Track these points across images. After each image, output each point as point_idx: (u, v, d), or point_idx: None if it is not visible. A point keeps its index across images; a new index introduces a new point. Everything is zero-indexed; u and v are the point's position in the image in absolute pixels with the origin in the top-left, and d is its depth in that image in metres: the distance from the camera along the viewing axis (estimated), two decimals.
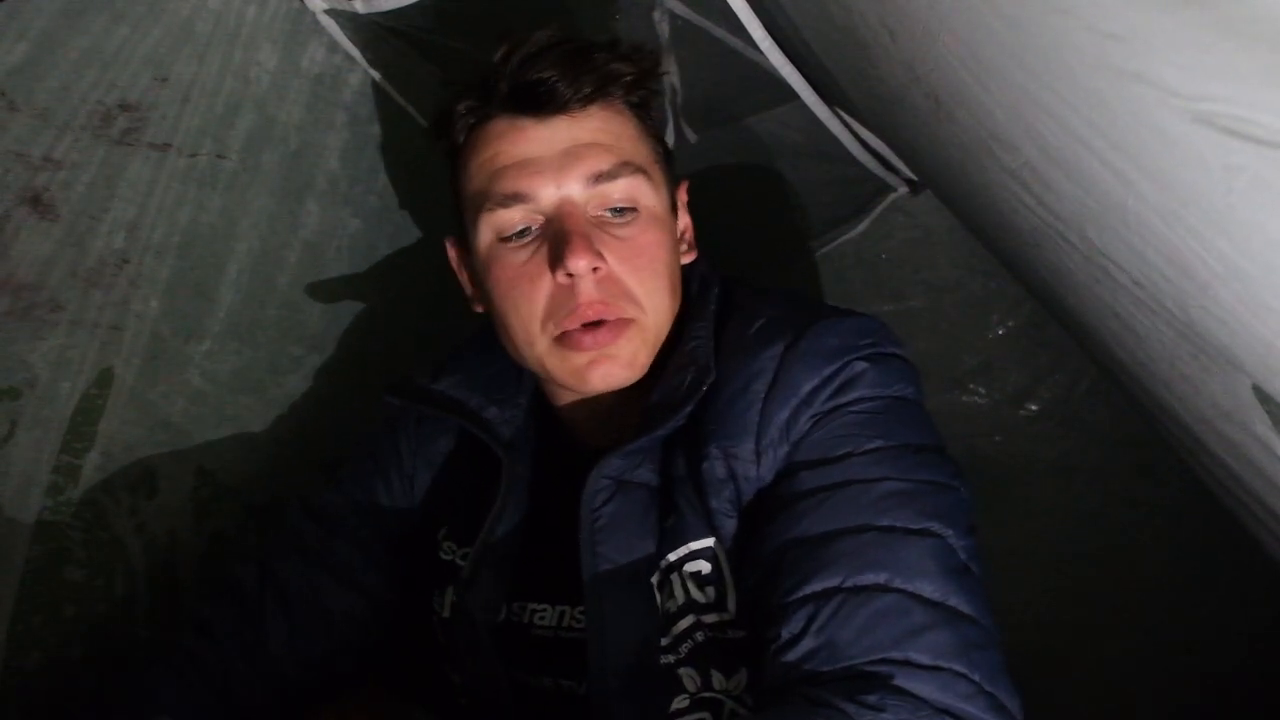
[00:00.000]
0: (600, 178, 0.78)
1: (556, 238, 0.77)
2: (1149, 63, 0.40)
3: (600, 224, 0.79)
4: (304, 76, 1.11)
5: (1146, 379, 0.62)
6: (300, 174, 1.12)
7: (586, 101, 0.79)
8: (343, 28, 1.11)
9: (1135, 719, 1.18)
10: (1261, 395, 0.48)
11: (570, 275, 0.76)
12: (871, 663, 0.63)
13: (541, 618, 0.83)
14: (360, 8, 1.06)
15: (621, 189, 0.79)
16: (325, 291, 1.16)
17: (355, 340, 1.20)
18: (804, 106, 1.04)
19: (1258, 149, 0.38)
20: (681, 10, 1.00)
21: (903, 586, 0.65)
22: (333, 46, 1.13)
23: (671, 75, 1.07)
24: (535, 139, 0.79)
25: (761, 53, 0.96)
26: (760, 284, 0.91)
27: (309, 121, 1.12)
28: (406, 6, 1.03)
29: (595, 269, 0.77)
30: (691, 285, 0.88)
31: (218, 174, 1.04)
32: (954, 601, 0.65)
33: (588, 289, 0.77)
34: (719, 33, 1.00)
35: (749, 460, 0.75)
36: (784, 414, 0.75)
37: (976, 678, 0.62)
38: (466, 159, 0.83)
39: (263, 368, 1.11)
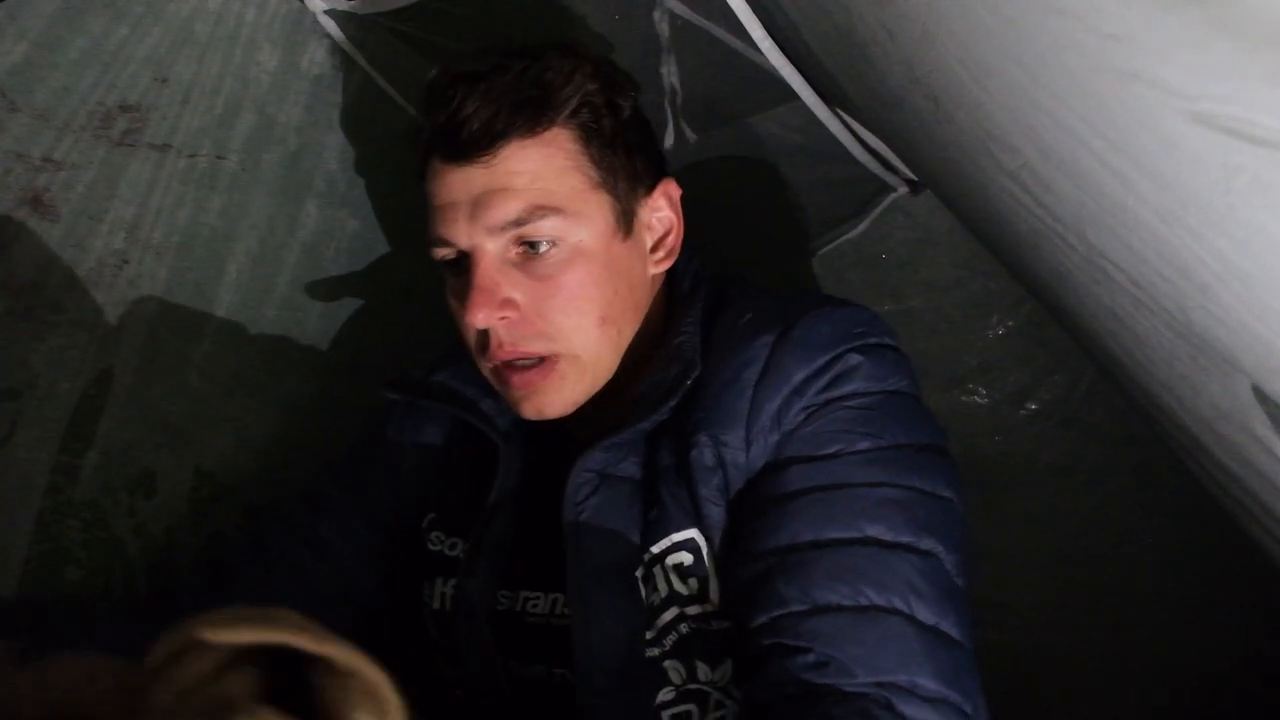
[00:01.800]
0: (506, 226, 0.77)
1: (467, 288, 0.78)
2: (1148, 63, 0.40)
3: (519, 263, 0.79)
4: (304, 77, 1.11)
5: (1146, 380, 0.62)
6: (299, 175, 1.12)
7: (495, 142, 0.77)
8: (343, 28, 1.11)
9: (1135, 719, 1.17)
10: (1261, 396, 0.48)
11: (477, 328, 0.78)
12: (876, 685, 0.63)
13: (534, 605, 0.83)
14: (360, 8, 1.06)
15: (534, 231, 0.77)
16: (324, 292, 1.16)
17: (354, 341, 1.20)
18: (804, 106, 1.04)
19: (1257, 149, 0.38)
20: (681, 10, 1.00)
21: (900, 608, 0.66)
22: (333, 47, 1.13)
23: (671, 75, 1.07)
24: (452, 184, 0.79)
25: (761, 53, 0.96)
26: (755, 282, 0.91)
27: (309, 122, 1.12)
28: (406, 6, 1.03)
29: (504, 317, 0.78)
30: (683, 284, 0.88)
31: (217, 175, 1.04)
32: (945, 626, 0.66)
33: (499, 335, 0.79)
34: (719, 33, 1.00)
35: (738, 448, 0.75)
36: (775, 403, 0.75)
37: (969, 709, 0.64)
38: (424, 188, 0.84)
39: (262, 368, 1.11)
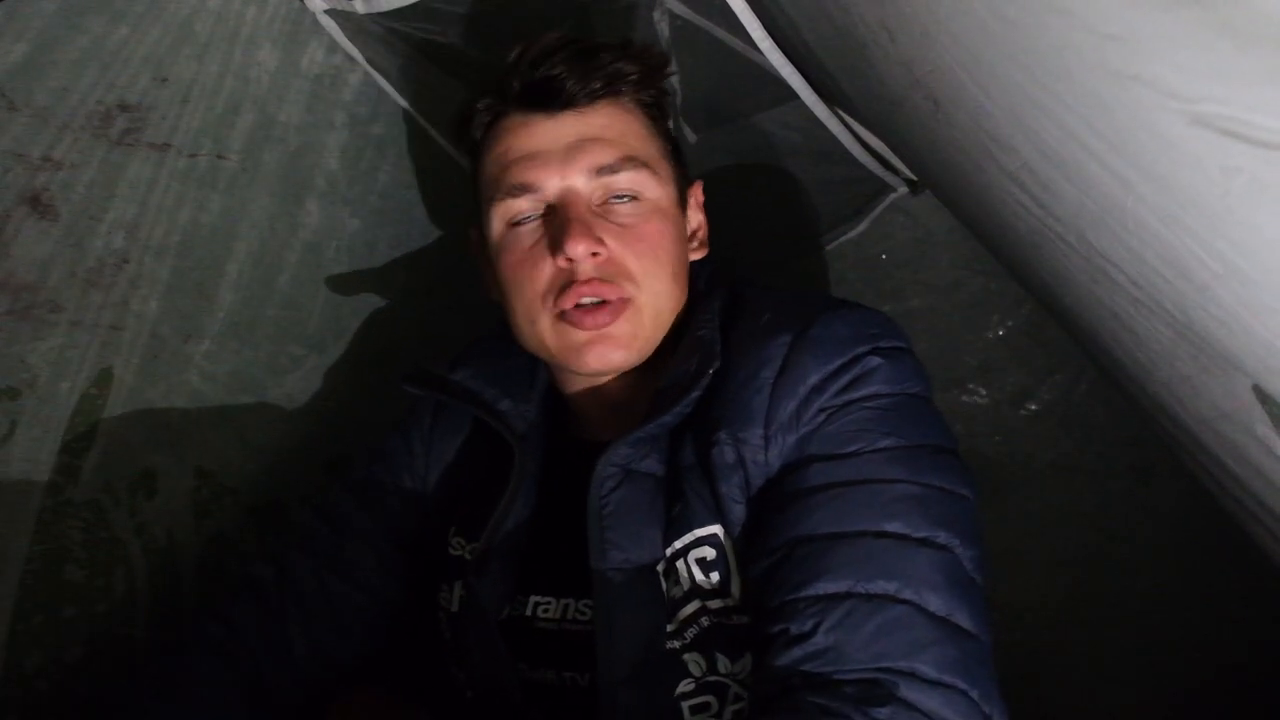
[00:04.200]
0: (603, 170, 0.82)
1: (558, 224, 0.81)
2: (1147, 64, 0.40)
3: (604, 212, 0.83)
4: (304, 76, 1.11)
5: (1146, 380, 0.62)
6: (300, 174, 1.12)
7: (593, 98, 0.83)
8: (343, 28, 1.11)
9: (1135, 719, 1.18)
10: (1261, 395, 0.48)
11: (570, 260, 0.80)
12: (877, 670, 0.63)
13: (546, 610, 0.83)
14: (360, 8, 1.06)
15: (624, 181, 0.83)
16: (325, 292, 1.16)
17: (355, 340, 1.20)
18: (804, 106, 1.04)
19: (1256, 150, 0.38)
20: (681, 10, 1.00)
21: (911, 598, 0.66)
22: (333, 46, 1.13)
23: (672, 75, 1.07)
24: (544, 133, 0.83)
25: (761, 53, 0.96)
26: (766, 284, 0.91)
27: (309, 121, 1.12)
28: (406, 6, 1.03)
29: (595, 254, 0.80)
30: (699, 283, 0.90)
31: (217, 174, 1.04)
32: (958, 617, 0.66)
33: (586, 270, 0.81)
34: (719, 33, 1.00)
35: (757, 445, 0.75)
36: (792, 403, 0.75)
37: (975, 695, 0.64)
38: (483, 153, 0.88)
39: (262, 368, 1.11)
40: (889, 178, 1.18)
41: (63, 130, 0.90)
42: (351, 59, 1.15)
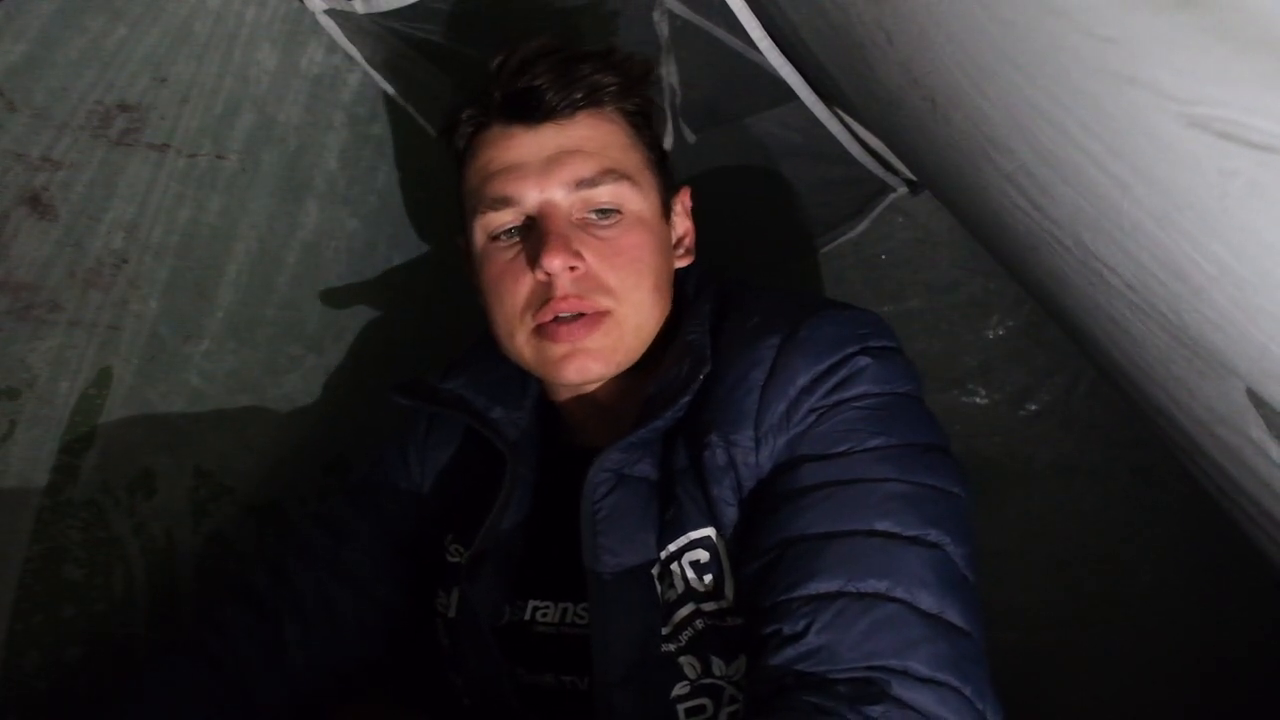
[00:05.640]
0: (582, 184, 0.82)
1: (537, 238, 0.81)
2: (1144, 66, 0.40)
3: (584, 225, 0.82)
4: (303, 77, 1.11)
5: (1143, 382, 0.62)
6: (299, 174, 1.12)
7: (574, 109, 0.83)
8: (342, 28, 1.11)
9: (1135, 719, 1.18)
10: (1255, 399, 0.48)
11: (547, 274, 0.80)
12: (870, 669, 0.63)
13: (544, 614, 0.83)
14: (360, 8, 1.06)
15: (604, 194, 0.82)
16: (324, 292, 1.16)
17: (354, 340, 1.20)
18: (804, 106, 1.04)
19: (1252, 153, 0.38)
20: (681, 10, 1.00)
21: (903, 597, 0.66)
22: (332, 46, 1.13)
23: (671, 76, 1.07)
24: (523, 145, 0.83)
25: (760, 52, 0.96)
26: (759, 284, 0.91)
27: (308, 122, 1.12)
28: (405, 7, 1.03)
29: (572, 268, 0.80)
30: (688, 287, 0.90)
31: (217, 174, 1.04)
32: (949, 615, 0.66)
33: (564, 285, 0.80)
34: (718, 33, 1.00)
35: (748, 447, 0.76)
36: (782, 404, 0.75)
37: (968, 692, 0.64)
38: (466, 164, 0.88)
39: (261, 368, 1.11)
40: (889, 178, 1.18)
41: (62, 130, 0.91)
42: (351, 59, 1.15)
